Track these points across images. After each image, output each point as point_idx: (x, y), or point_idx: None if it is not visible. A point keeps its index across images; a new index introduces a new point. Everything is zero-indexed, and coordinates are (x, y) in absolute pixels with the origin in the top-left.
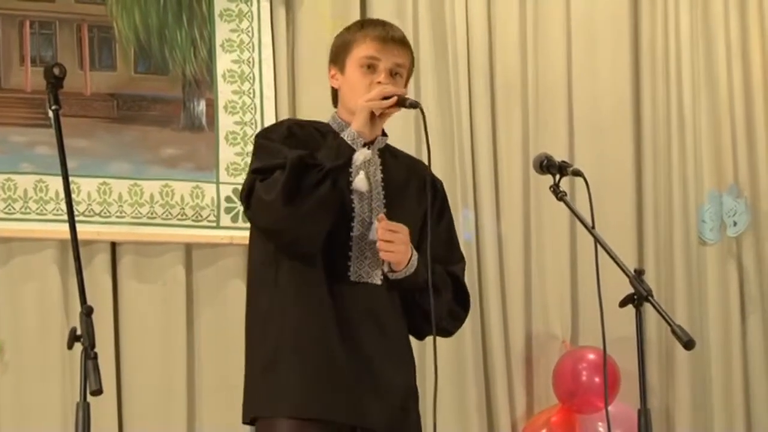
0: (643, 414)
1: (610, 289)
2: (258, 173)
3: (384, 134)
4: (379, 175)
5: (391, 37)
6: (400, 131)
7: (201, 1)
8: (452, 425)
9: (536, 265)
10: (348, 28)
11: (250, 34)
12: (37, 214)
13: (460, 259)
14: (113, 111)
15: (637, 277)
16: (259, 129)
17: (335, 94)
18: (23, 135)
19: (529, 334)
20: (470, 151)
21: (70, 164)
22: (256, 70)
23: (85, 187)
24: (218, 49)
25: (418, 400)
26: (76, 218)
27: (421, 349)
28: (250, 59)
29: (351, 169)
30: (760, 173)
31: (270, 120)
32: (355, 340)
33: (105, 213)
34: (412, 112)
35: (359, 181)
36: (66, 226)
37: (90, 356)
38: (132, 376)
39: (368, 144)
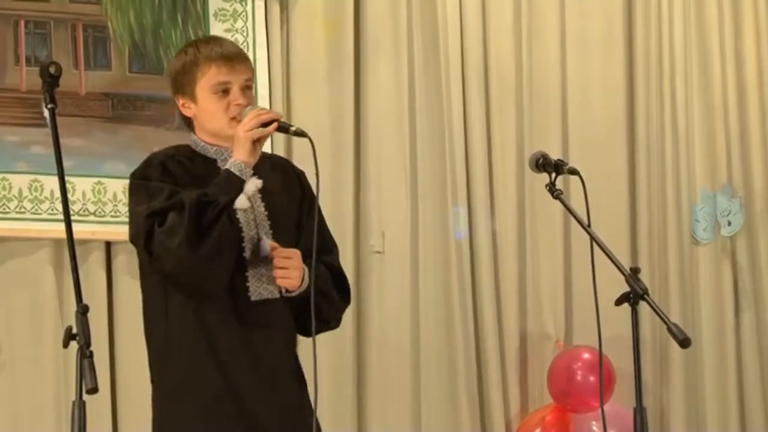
0: (639, 412)
1: (604, 288)
2: (153, 217)
3: None
4: (257, 194)
5: (234, 55)
6: (394, 131)
7: (196, 1)
8: (446, 424)
9: (530, 264)
10: (184, 53)
11: (244, 34)
12: (32, 213)
13: (333, 246)
14: (108, 110)
15: (633, 275)
16: None
17: (188, 121)
18: (18, 134)
19: (523, 333)
20: (463, 149)
21: (65, 164)
22: None
23: (80, 187)
24: None
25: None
26: (71, 218)
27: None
28: None
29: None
30: (754, 173)
31: None
32: (258, 357)
33: (100, 212)
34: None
35: (240, 201)
36: (61, 226)
37: (86, 355)
38: (127, 375)
39: (255, 172)
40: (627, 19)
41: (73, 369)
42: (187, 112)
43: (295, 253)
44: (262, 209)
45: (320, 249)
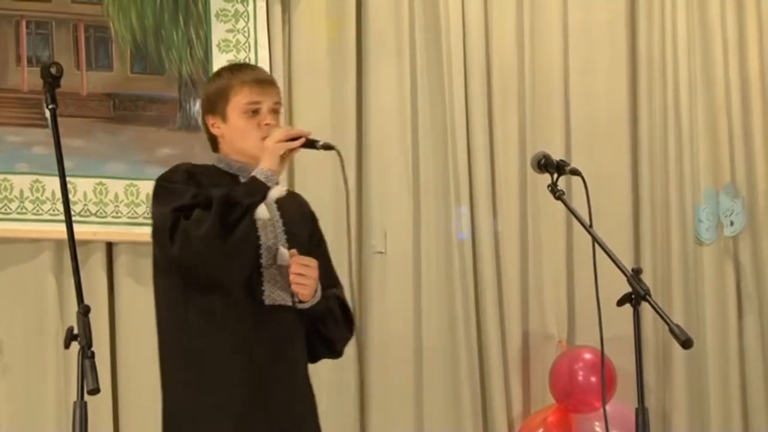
0: (641, 413)
1: (606, 288)
2: (179, 211)
3: None
4: (274, 205)
5: (266, 79)
6: (396, 131)
7: (197, 2)
8: (448, 424)
9: (533, 265)
10: (218, 76)
11: (246, 35)
12: (34, 214)
13: (338, 282)
14: (109, 111)
15: (635, 276)
16: None
17: (214, 140)
18: (19, 135)
19: (525, 333)
20: (466, 149)
21: (66, 164)
22: None
23: (81, 187)
24: (214, 49)
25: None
26: (73, 218)
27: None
28: (247, 59)
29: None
30: (758, 173)
31: None
32: (275, 360)
33: (101, 213)
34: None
35: (261, 210)
36: (62, 226)
37: (87, 355)
38: (128, 376)
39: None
40: (630, 17)
41: (74, 370)
42: (216, 131)
43: (314, 262)
44: (281, 223)
45: (328, 282)
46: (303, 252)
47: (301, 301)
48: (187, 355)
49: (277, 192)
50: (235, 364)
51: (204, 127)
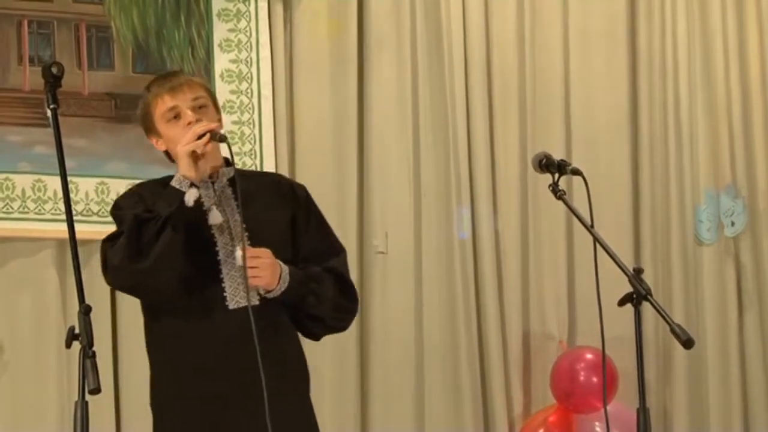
0: (642, 413)
1: (607, 288)
2: (108, 242)
3: (229, 164)
4: (233, 203)
5: (178, 84)
6: (397, 131)
7: (199, 1)
8: (449, 424)
9: (533, 265)
10: (141, 97)
11: (248, 34)
12: (36, 213)
13: (340, 250)
14: (111, 110)
15: (636, 276)
16: (257, 129)
17: (168, 155)
18: (21, 134)
19: (526, 333)
20: (467, 149)
21: (68, 164)
22: (254, 70)
23: (83, 187)
24: (216, 49)
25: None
26: (74, 218)
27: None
28: (248, 59)
29: (205, 208)
30: (758, 173)
31: (268, 119)
32: (243, 365)
33: (103, 212)
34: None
35: (212, 216)
36: (64, 226)
37: (88, 355)
38: (129, 376)
39: (193, 184)
40: (630, 18)
41: (75, 369)
42: (161, 147)
43: (264, 252)
44: (239, 221)
45: (324, 252)
46: (274, 245)
47: (267, 291)
48: (161, 367)
49: (191, 195)
50: (204, 378)
51: None
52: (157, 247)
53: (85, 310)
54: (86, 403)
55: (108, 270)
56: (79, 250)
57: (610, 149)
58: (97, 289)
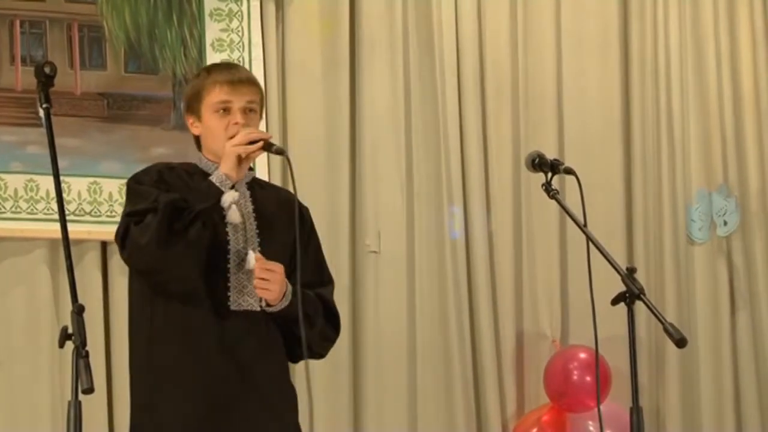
0: (635, 412)
1: (600, 287)
2: (131, 216)
3: (250, 168)
4: (250, 207)
5: (239, 79)
6: (389, 131)
7: (191, 1)
8: (442, 424)
9: (526, 264)
10: (197, 76)
11: (240, 34)
12: (28, 213)
13: (329, 281)
14: (103, 110)
15: (629, 275)
16: None
17: (197, 139)
18: (14, 134)
19: (519, 332)
20: (459, 149)
21: (60, 163)
22: None
23: (75, 187)
24: (208, 49)
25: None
26: (67, 217)
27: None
28: (241, 59)
29: (224, 207)
30: (750, 174)
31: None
32: (240, 365)
33: (95, 212)
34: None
35: (232, 214)
36: (56, 226)
37: (81, 355)
38: (123, 375)
39: (233, 185)
40: (622, 20)
41: (68, 369)
42: (195, 131)
43: (278, 267)
44: (254, 227)
45: (315, 282)
46: (284, 254)
47: (268, 305)
48: (150, 359)
49: (230, 197)
50: (197, 372)
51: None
52: (186, 238)
53: (78, 310)
54: (79, 402)
55: (129, 246)
56: (72, 249)
57: (603, 149)
58: (91, 288)
